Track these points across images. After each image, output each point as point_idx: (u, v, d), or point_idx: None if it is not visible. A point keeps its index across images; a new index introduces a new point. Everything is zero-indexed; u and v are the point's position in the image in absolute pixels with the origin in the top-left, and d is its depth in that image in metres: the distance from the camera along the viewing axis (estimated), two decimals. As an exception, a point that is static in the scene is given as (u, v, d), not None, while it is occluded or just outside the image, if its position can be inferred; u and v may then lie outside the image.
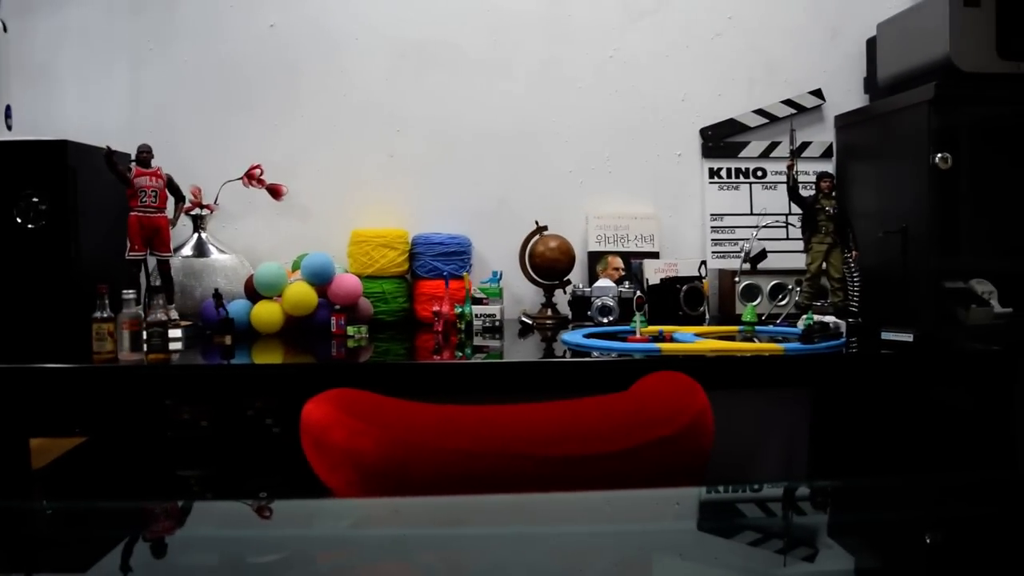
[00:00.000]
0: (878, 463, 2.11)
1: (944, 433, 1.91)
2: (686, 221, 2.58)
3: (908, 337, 1.87)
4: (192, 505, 1.27)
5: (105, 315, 1.73)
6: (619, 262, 2.45)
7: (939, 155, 2.02)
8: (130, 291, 1.76)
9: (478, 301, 2.24)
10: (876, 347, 1.89)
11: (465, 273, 2.29)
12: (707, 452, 1.32)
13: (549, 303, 2.35)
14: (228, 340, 1.98)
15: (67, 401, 2.00)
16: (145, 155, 2.04)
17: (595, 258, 2.48)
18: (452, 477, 1.17)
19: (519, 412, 1.24)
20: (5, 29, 2.22)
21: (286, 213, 2.49)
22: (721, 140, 2.56)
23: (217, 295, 2.03)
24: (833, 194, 2.15)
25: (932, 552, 0.95)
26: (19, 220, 2.02)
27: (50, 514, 1.07)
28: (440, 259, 2.32)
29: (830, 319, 1.91)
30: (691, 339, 1.90)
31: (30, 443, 1.75)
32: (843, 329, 1.90)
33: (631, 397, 1.37)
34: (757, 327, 2.05)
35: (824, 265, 2.13)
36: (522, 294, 2.48)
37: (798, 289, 2.19)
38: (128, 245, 2.01)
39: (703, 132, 2.56)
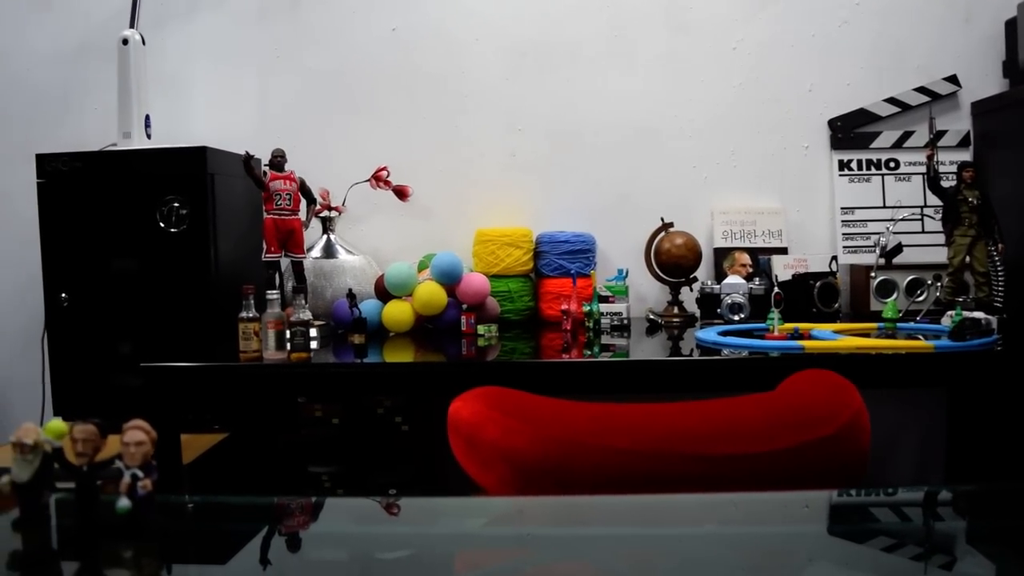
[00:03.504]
0: (1021, 466, 2.02)
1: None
2: (814, 215, 2.50)
3: (1066, 333, 1.77)
4: (324, 501, 1.29)
5: (251, 315, 1.78)
6: (747, 258, 2.40)
7: (1094, 141, 1.90)
8: (273, 292, 1.81)
9: (604, 299, 2.22)
10: (1031, 344, 1.80)
11: (591, 271, 2.28)
12: (866, 452, 1.27)
13: (676, 301, 2.32)
14: (361, 339, 2.01)
15: (209, 398, 2.08)
16: (279, 159, 2.08)
17: (721, 254, 2.44)
18: (609, 475, 1.15)
19: (675, 410, 1.22)
20: (143, 42, 2.30)
21: (410, 214, 2.52)
22: (851, 131, 2.48)
23: (351, 295, 2.07)
24: (976, 185, 2.05)
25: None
26: (162, 224, 2.11)
27: (192, 508, 1.10)
28: (565, 257, 2.31)
29: (980, 315, 1.82)
30: (831, 337, 1.84)
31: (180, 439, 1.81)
32: (994, 325, 1.81)
33: (785, 396, 1.34)
34: (897, 324, 1.97)
35: (967, 259, 2.04)
36: (647, 292, 2.45)
37: (938, 284, 2.10)
38: (264, 247, 2.06)
39: (831, 123, 2.49)
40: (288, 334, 1.77)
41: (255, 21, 2.58)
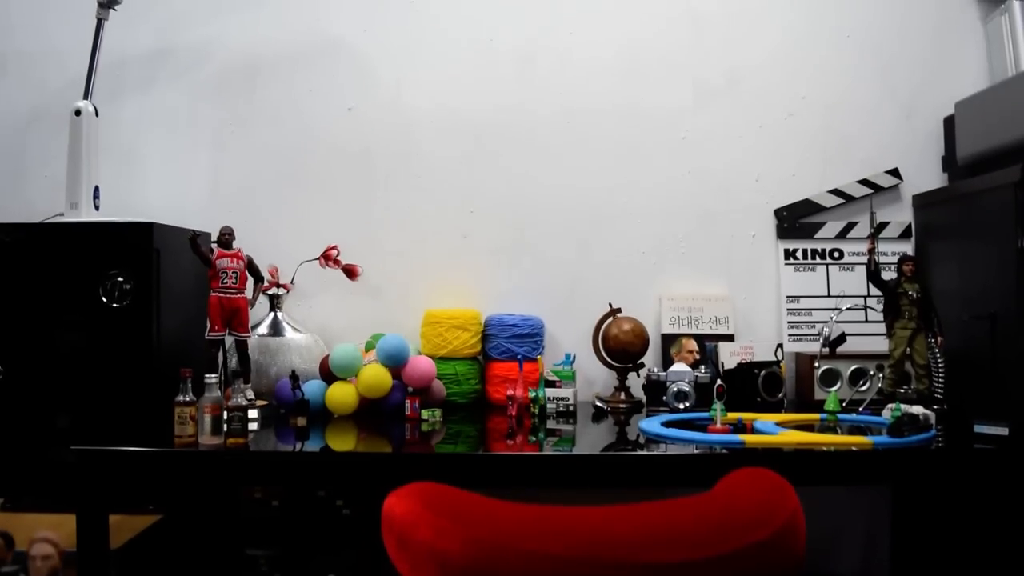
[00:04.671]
0: (967, 565, 2.02)
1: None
2: (761, 303, 2.53)
3: (1003, 431, 1.79)
4: None
5: (188, 399, 1.75)
6: (693, 345, 2.42)
7: (1028, 239, 1.96)
8: (213, 376, 1.78)
9: (551, 384, 2.21)
10: (967, 440, 1.81)
11: (539, 356, 2.28)
12: (801, 556, 1.27)
13: (623, 386, 2.32)
14: (303, 422, 1.98)
15: (144, 480, 2.02)
16: (227, 237, 2.08)
17: (669, 340, 2.45)
18: (540, 581, 1.14)
19: (609, 514, 1.21)
20: (97, 113, 2.30)
21: (360, 293, 2.51)
22: (796, 220, 2.53)
23: (294, 376, 2.04)
24: (916, 278, 2.10)
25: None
26: (104, 299, 2.07)
27: None
28: (513, 341, 2.31)
29: (919, 410, 1.84)
30: (773, 429, 1.85)
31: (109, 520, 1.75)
32: (932, 421, 1.83)
33: (720, 497, 1.33)
34: (839, 415, 1.99)
35: (908, 351, 2.08)
36: (595, 376, 2.45)
37: (880, 375, 2.13)
38: (208, 325, 2.04)
39: (778, 212, 2.54)
40: (225, 418, 1.74)
41: (212, 95, 2.59)
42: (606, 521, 1.21)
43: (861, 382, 2.25)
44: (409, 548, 1.21)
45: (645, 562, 1.13)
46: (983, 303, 2.08)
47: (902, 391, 2.06)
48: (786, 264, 2.52)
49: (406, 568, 1.23)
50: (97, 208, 2.28)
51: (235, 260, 2.07)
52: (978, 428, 1.83)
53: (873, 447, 1.73)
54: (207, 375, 1.77)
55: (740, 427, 1.87)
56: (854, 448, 1.73)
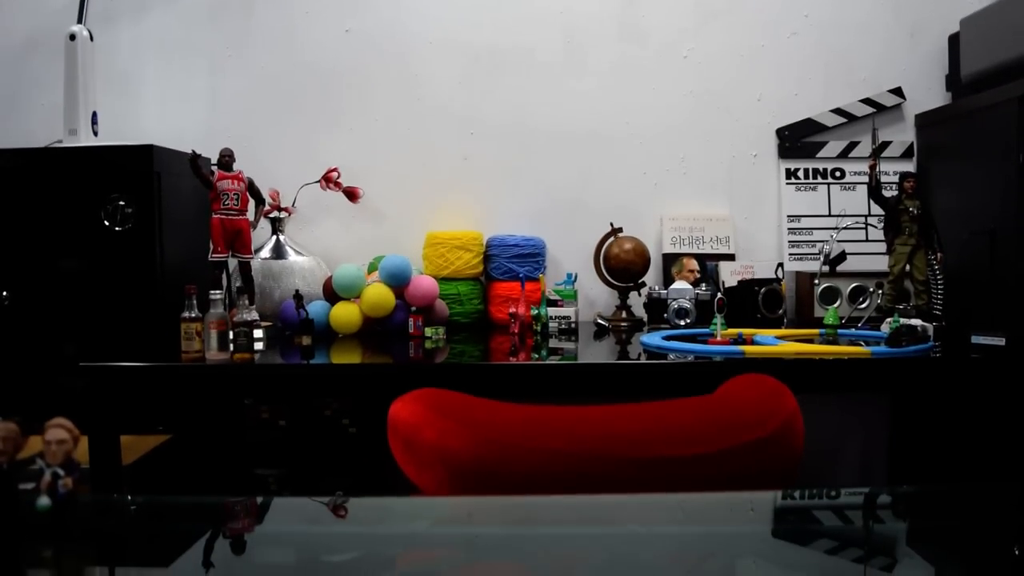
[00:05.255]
0: (962, 471, 2.06)
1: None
2: (762, 223, 2.54)
3: (1000, 341, 1.81)
4: (270, 502, 1.28)
5: (194, 315, 1.77)
6: (694, 264, 2.43)
7: (1029, 154, 1.96)
8: (217, 292, 1.80)
9: (553, 303, 2.23)
10: (964, 352, 1.84)
11: (540, 275, 2.29)
12: (799, 455, 1.29)
13: (624, 305, 2.34)
14: (308, 341, 2.00)
15: (153, 399, 2.05)
16: (227, 159, 2.07)
17: (670, 260, 2.46)
18: (544, 477, 1.16)
19: (611, 412, 1.23)
20: (92, 38, 2.27)
21: (362, 216, 2.52)
22: (798, 140, 2.52)
23: (298, 296, 2.06)
24: (917, 195, 2.10)
25: (1017, 562, 0.91)
26: (107, 223, 2.08)
27: (135, 509, 1.09)
28: (515, 261, 2.32)
29: (917, 322, 1.86)
30: (772, 342, 1.87)
31: (120, 440, 1.78)
32: (931, 332, 1.85)
33: (721, 399, 1.35)
34: (839, 330, 2.01)
35: (908, 267, 2.09)
36: (596, 296, 2.47)
37: (880, 292, 2.14)
38: (211, 247, 2.05)
39: (779, 132, 2.53)
40: (231, 335, 1.76)
41: (206, 19, 2.56)
42: (609, 419, 1.23)
43: (861, 299, 2.26)
44: (415, 449, 1.23)
45: (645, 457, 1.16)
46: (983, 220, 2.08)
47: (901, 307, 2.08)
48: (787, 184, 2.52)
49: (412, 470, 1.25)
50: (96, 134, 2.28)
51: (236, 182, 2.07)
52: (975, 339, 1.85)
53: (871, 356, 1.75)
54: (212, 291, 1.79)
55: (740, 340, 1.89)
56: (852, 357, 1.75)
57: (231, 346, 1.77)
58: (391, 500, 1.19)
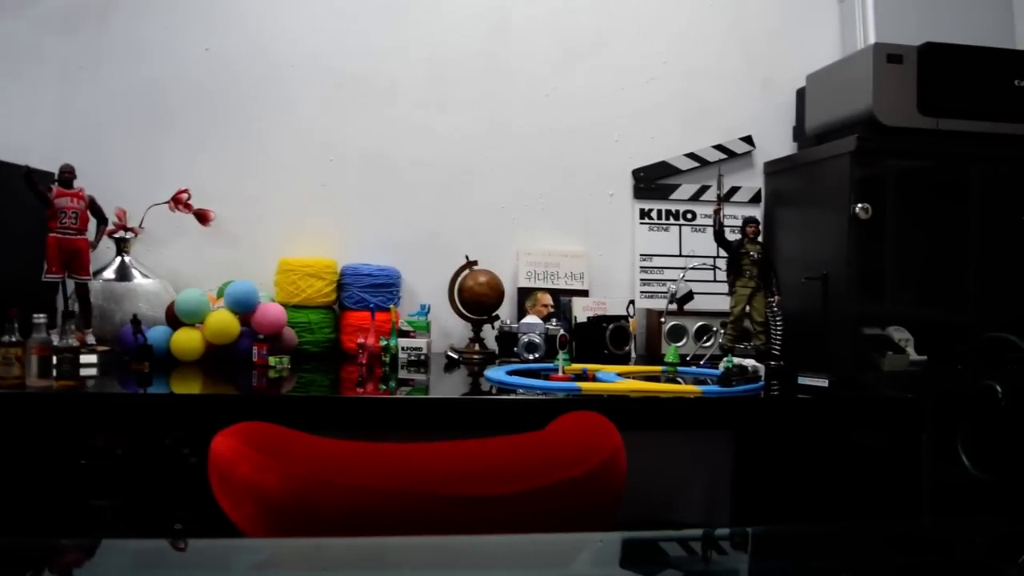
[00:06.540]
0: (799, 505, 2.14)
1: (859, 475, 1.95)
2: (616, 260, 2.60)
3: (823, 382, 1.90)
4: (100, 543, 1.22)
5: (14, 339, 1.68)
6: (548, 299, 2.47)
7: (859, 205, 2.07)
8: (40, 316, 1.71)
9: (405, 334, 2.22)
10: (794, 391, 1.92)
11: (392, 306, 2.28)
12: (619, 494, 1.32)
13: (477, 338, 2.35)
14: (146, 367, 1.93)
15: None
16: (67, 175, 1.99)
17: (525, 294, 2.49)
18: (358, 515, 1.15)
19: (430, 450, 1.23)
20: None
21: (214, 239, 2.45)
22: (653, 182, 2.60)
23: (135, 321, 1.98)
24: (758, 239, 2.19)
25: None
26: (-69, 237, 1.97)
27: None
28: (368, 291, 2.30)
29: (749, 362, 1.94)
30: (613, 379, 1.91)
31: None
32: (761, 373, 1.93)
33: (545, 437, 1.37)
34: (680, 368, 2.07)
35: (747, 308, 2.18)
36: (451, 328, 2.48)
37: (722, 331, 2.22)
38: (45, 267, 1.96)
39: (635, 173, 2.60)
40: (55, 360, 1.68)
41: (59, 29, 2.46)
42: (427, 457, 1.23)
43: (705, 338, 2.34)
44: (229, 484, 1.20)
45: (459, 495, 1.16)
46: (818, 266, 2.19)
47: (741, 347, 2.16)
48: (641, 223, 2.59)
49: (228, 505, 1.22)
50: (-73, 141, 2.15)
51: (75, 200, 1.99)
52: (801, 380, 1.94)
53: (702, 395, 1.81)
54: (35, 315, 1.71)
55: (583, 376, 1.92)
56: (684, 396, 1.81)
57: (55, 371, 1.69)
58: (229, 541, 1.16)
